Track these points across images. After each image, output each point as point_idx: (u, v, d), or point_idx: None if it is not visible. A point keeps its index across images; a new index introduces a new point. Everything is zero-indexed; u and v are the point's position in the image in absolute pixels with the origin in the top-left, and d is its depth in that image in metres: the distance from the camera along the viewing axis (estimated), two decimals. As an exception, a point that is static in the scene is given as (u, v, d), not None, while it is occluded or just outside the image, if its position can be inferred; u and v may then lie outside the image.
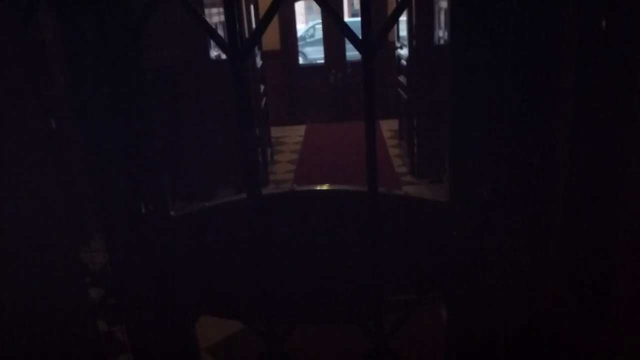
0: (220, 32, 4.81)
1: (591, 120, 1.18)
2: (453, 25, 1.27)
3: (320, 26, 8.96)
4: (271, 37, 7.76)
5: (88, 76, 1.21)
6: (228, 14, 1.15)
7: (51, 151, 1.68)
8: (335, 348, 2.60)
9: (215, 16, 4.84)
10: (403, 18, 5.54)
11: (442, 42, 4.81)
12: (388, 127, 7.13)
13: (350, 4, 13.70)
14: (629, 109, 1.04)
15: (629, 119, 1.05)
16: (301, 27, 12.66)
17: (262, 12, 4.77)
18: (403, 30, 5.71)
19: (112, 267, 1.37)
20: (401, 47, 5.88)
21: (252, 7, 5.41)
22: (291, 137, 7.25)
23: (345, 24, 1.19)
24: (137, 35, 1.20)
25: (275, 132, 6.95)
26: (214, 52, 4.70)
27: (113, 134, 1.21)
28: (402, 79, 5.77)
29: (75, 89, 1.23)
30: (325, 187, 1.34)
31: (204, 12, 4.61)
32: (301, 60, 9.76)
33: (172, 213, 1.39)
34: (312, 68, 9.16)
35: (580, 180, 1.21)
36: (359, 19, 1.15)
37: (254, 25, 5.38)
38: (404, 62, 5.58)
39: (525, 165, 1.23)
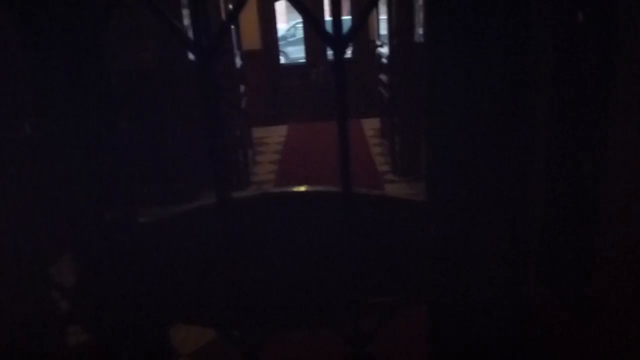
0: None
1: (569, 116, 1.15)
2: (427, 21, 1.24)
3: (301, 25, 8.92)
4: (252, 37, 7.71)
5: (48, 80, 1.16)
6: (192, 8, 1.10)
7: (25, 157, 1.62)
8: (317, 353, 2.56)
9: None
10: (383, 16, 5.52)
11: (422, 39, 4.80)
12: (371, 126, 7.12)
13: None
14: (607, 103, 1.02)
15: (607, 111, 1.02)
16: (282, 27, 12.62)
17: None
18: (384, 29, 5.69)
19: (78, 278, 1.31)
20: (382, 46, 5.86)
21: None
22: (273, 137, 7.20)
23: (315, 20, 1.16)
24: (98, 36, 1.15)
25: (257, 132, 6.90)
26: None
27: (73, 139, 1.15)
28: (383, 77, 5.75)
29: (35, 93, 1.18)
30: (298, 188, 1.29)
31: (181, 11, 4.54)
32: (283, 60, 9.72)
33: (141, 220, 1.34)
34: (293, 67, 9.12)
35: (559, 180, 1.18)
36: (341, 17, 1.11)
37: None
38: (384, 60, 5.56)
39: (502, 163, 1.21)
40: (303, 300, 1.33)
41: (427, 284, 1.29)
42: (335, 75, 1.08)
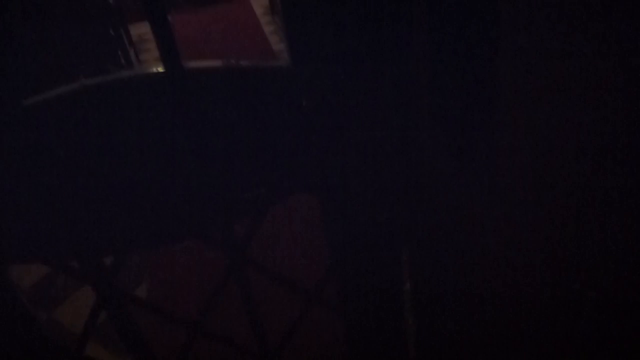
0: None
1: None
2: None
3: None
4: None
5: None
6: None
7: None
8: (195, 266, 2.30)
9: None
10: None
11: None
12: (260, 3, 6.59)
13: None
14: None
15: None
16: None
17: None
18: None
19: None
20: None
21: None
22: (157, 32, 6.54)
23: None
24: None
25: (138, 29, 6.24)
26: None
27: None
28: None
29: None
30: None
31: None
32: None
33: None
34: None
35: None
36: None
37: None
38: None
39: (377, 20, 0.96)
40: (160, 208, 1.09)
41: (303, 167, 1.08)
42: None
